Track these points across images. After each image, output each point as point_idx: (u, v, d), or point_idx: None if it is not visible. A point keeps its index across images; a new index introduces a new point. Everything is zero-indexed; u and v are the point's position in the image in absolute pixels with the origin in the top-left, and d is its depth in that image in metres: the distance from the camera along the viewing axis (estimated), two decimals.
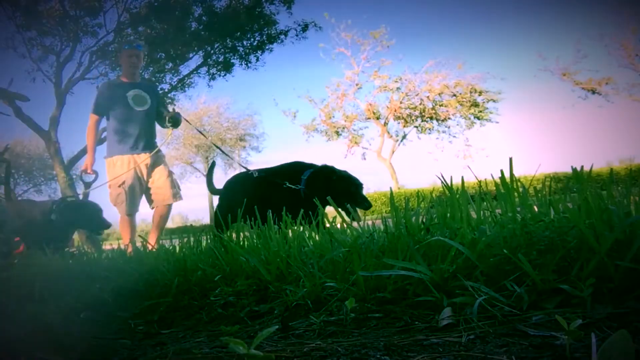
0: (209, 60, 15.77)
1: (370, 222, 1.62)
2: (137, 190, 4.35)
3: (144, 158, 4.38)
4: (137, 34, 14.63)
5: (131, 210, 4.30)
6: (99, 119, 4.56)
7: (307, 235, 1.66)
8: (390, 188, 1.65)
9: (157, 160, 4.52)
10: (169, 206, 4.42)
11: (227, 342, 0.72)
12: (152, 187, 4.42)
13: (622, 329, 0.58)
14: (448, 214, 1.34)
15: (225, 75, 15.94)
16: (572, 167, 1.28)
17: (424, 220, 1.38)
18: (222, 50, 15.57)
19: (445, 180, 1.50)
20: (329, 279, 1.24)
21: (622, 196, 1.19)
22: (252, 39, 15.33)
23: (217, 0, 14.80)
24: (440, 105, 23.10)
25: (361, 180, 3.21)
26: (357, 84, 23.33)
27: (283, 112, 23.74)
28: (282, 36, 15.33)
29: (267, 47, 15.36)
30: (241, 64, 15.68)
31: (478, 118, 22.60)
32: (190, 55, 15.67)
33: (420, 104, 23.21)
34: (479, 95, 22.37)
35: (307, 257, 1.43)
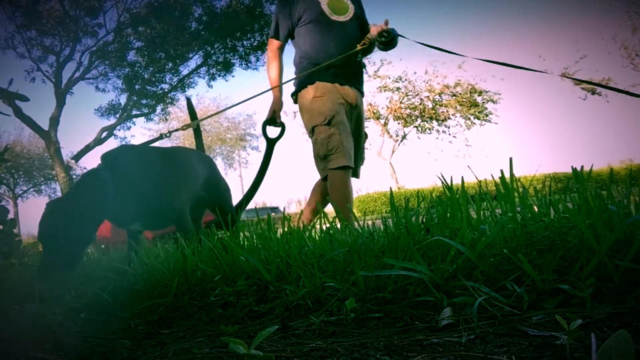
0: (209, 60, 15.81)
1: (370, 222, 1.62)
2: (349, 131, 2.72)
3: (349, 92, 2.77)
4: (137, 34, 14.64)
5: (350, 159, 2.63)
6: (282, 44, 2.99)
7: (307, 235, 1.66)
8: (390, 188, 1.65)
9: (359, 105, 2.88)
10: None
11: (227, 342, 0.72)
12: None
13: (622, 329, 0.58)
14: (448, 214, 1.34)
15: (225, 75, 15.99)
16: (572, 167, 1.29)
17: (424, 220, 1.38)
18: (222, 50, 15.60)
19: (445, 180, 1.50)
20: (329, 279, 1.24)
21: (622, 196, 1.19)
22: (252, 39, 15.36)
23: (217, 0, 14.84)
24: (440, 105, 23.09)
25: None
26: None
27: (283, 112, 23.71)
28: None
29: (267, 47, 15.37)
30: (241, 64, 15.72)
31: (478, 118, 22.59)
32: (190, 55, 15.71)
33: (420, 104, 23.19)
34: (479, 95, 22.37)
35: (307, 257, 1.43)
